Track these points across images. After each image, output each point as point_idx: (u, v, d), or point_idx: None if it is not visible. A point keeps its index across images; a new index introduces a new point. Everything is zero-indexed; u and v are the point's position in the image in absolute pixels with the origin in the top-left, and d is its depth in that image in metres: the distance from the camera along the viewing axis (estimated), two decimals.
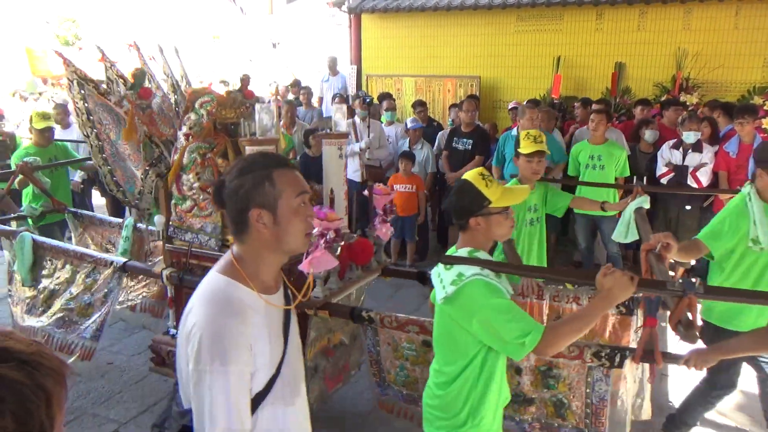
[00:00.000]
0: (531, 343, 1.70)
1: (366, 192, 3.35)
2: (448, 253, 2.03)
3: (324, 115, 8.29)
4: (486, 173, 2.03)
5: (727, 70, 6.93)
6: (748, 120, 4.94)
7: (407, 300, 4.97)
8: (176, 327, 3.30)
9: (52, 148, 5.17)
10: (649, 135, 5.67)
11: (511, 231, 2.03)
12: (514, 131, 5.56)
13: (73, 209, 4.86)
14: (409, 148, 6.24)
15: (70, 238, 4.78)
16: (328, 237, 2.67)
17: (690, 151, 5.10)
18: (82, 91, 3.27)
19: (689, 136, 5.05)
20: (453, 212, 2.02)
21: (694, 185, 5.10)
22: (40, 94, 11.19)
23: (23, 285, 3.91)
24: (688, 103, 6.79)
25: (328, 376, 3.20)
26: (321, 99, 8.92)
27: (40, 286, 3.85)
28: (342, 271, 3.04)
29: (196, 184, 3.08)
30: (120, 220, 4.60)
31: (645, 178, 4.04)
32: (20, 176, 4.55)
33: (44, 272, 3.85)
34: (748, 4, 6.76)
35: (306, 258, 2.66)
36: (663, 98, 6.93)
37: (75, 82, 3.26)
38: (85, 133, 3.37)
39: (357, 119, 6.24)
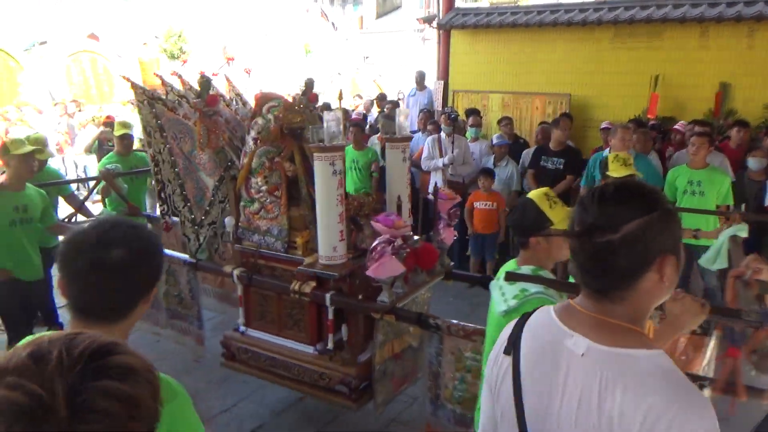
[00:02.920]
0: None
1: (431, 196, 3.35)
2: (508, 267, 2.01)
3: (410, 129, 8.35)
4: (551, 194, 2.01)
5: None
6: None
7: (461, 306, 5.04)
8: (245, 324, 3.50)
9: (132, 157, 5.36)
10: (753, 163, 5.25)
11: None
12: (606, 152, 5.34)
13: (147, 213, 5.10)
14: (494, 165, 6.16)
15: None
16: (395, 244, 2.70)
17: None
18: (154, 110, 3.42)
19: None
20: (514, 228, 2.06)
21: None
22: None
23: None
24: None
25: (396, 378, 3.21)
26: (407, 113, 9.01)
27: None
28: (407, 275, 3.07)
29: (264, 187, 3.17)
30: None
31: (744, 206, 3.76)
32: (101, 183, 4.86)
33: None
34: None
35: (373, 264, 2.71)
36: None
37: (145, 102, 3.42)
38: (158, 150, 3.49)
39: (442, 135, 6.23)
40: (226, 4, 16.54)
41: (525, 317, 1.33)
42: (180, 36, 13.40)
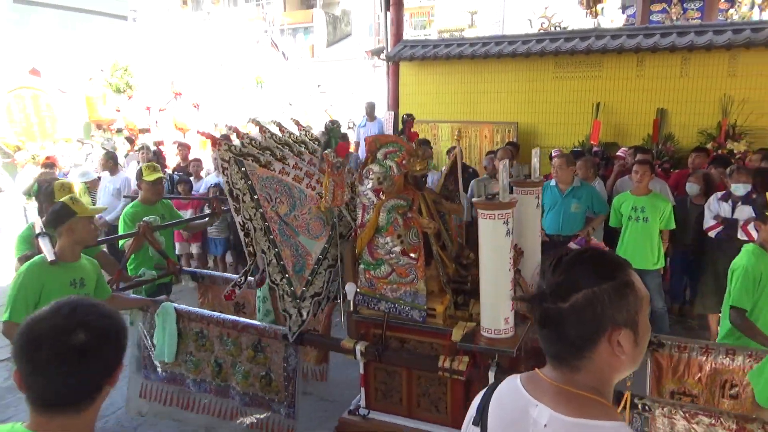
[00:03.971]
0: None
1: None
2: None
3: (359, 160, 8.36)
4: None
5: None
6: None
7: None
8: (367, 407, 3.05)
9: (159, 205, 4.59)
10: (689, 188, 5.46)
11: None
12: (552, 182, 5.46)
13: (190, 269, 4.57)
14: None
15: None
16: None
17: (740, 203, 4.89)
18: (243, 169, 2.84)
19: (738, 188, 4.85)
20: None
21: (745, 239, 4.87)
22: (92, 137, 11.71)
23: (166, 361, 3.52)
24: (735, 151, 6.57)
25: None
26: (358, 144, 9.02)
27: (202, 360, 3.51)
28: None
29: (396, 248, 2.73)
30: (250, 278, 4.29)
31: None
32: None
33: (192, 346, 3.52)
34: None
35: None
36: (709, 145, 6.72)
37: (232, 161, 2.83)
38: (248, 216, 2.86)
39: None
40: (174, 38, 16.37)
41: (493, 386, 1.32)
42: (126, 70, 13.12)
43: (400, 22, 9.32)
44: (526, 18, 9.67)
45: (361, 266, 2.87)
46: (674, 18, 8.94)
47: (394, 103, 9.05)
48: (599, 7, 9.97)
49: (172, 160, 9.30)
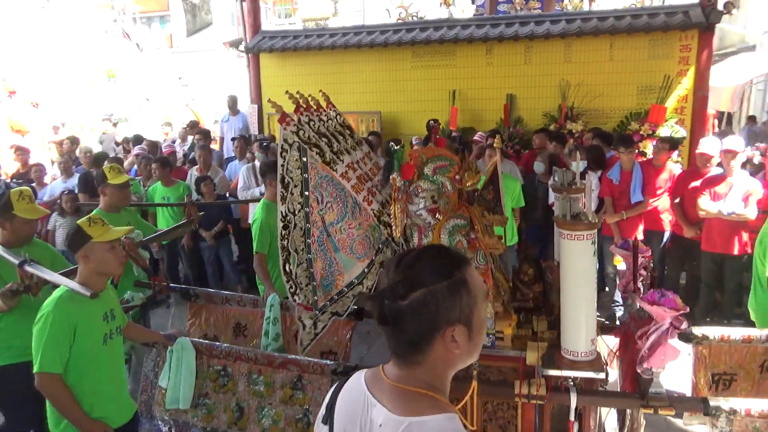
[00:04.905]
0: None
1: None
2: None
3: (225, 157, 8.08)
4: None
5: (606, 99, 7.44)
6: (625, 150, 5.30)
7: None
8: None
9: (124, 213, 4.07)
10: (536, 166, 5.93)
11: None
12: None
13: (180, 286, 3.97)
14: None
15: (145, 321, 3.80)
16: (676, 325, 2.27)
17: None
18: (304, 159, 2.51)
19: (575, 166, 5.33)
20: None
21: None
22: None
23: (180, 407, 3.04)
24: (573, 131, 7.22)
25: None
26: (221, 139, 8.71)
27: (219, 404, 3.06)
28: None
29: None
30: (252, 296, 3.84)
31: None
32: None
33: (208, 387, 3.07)
34: (620, 37, 7.32)
35: (651, 354, 2.27)
36: (551, 126, 7.32)
37: (295, 145, 2.48)
38: (292, 209, 2.56)
39: (257, 163, 6.12)
40: (4, 28, 14.63)
41: (341, 384, 1.33)
42: None
43: (257, 12, 9.09)
44: (384, 8, 9.84)
45: None
46: (518, 9, 9.56)
47: (257, 96, 8.85)
48: None
49: (11, 166, 8.35)
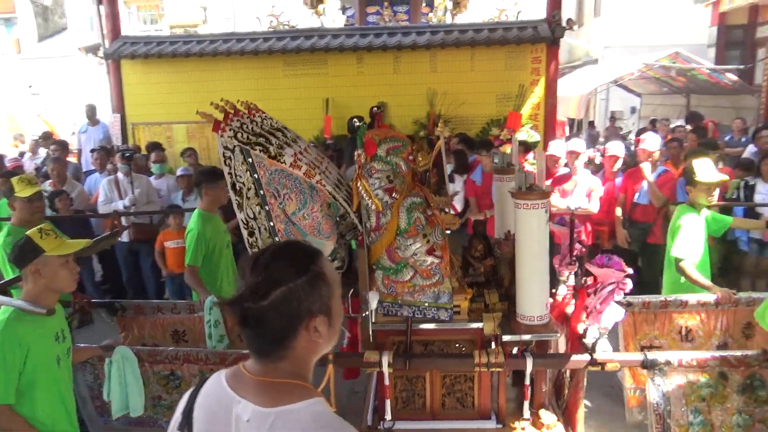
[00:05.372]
0: None
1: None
2: None
3: (84, 170, 7.52)
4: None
5: (469, 106, 7.91)
6: (485, 154, 5.69)
7: None
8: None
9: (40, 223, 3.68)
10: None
11: None
12: None
13: (104, 300, 3.79)
14: (183, 199, 5.95)
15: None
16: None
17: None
18: (249, 160, 2.48)
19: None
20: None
21: (452, 212, 5.69)
22: None
23: (132, 416, 2.99)
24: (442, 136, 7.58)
25: None
26: (79, 151, 8.09)
27: (177, 401, 2.75)
28: None
29: (422, 248, 2.55)
30: (186, 302, 3.75)
31: None
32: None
33: (160, 390, 3.06)
34: (480, 49, 7.84)
35: (599, 313, 2.50)
36: (421, 133, 7.66)
37: (237, 149, 2.46)
38: (251, 215, 2.56)
39: (120, 175, 5.77)
40: None
41: (197, 388, 1.31)
42: None
43: (116, 17, 8.57)
44: (255, 16, 9.71)
45: (379, 272, 2.64)
46: (387, 20, 9.89)
47: (119, 105, 8.33)
48: (321, 7, 10.52)
49: None
